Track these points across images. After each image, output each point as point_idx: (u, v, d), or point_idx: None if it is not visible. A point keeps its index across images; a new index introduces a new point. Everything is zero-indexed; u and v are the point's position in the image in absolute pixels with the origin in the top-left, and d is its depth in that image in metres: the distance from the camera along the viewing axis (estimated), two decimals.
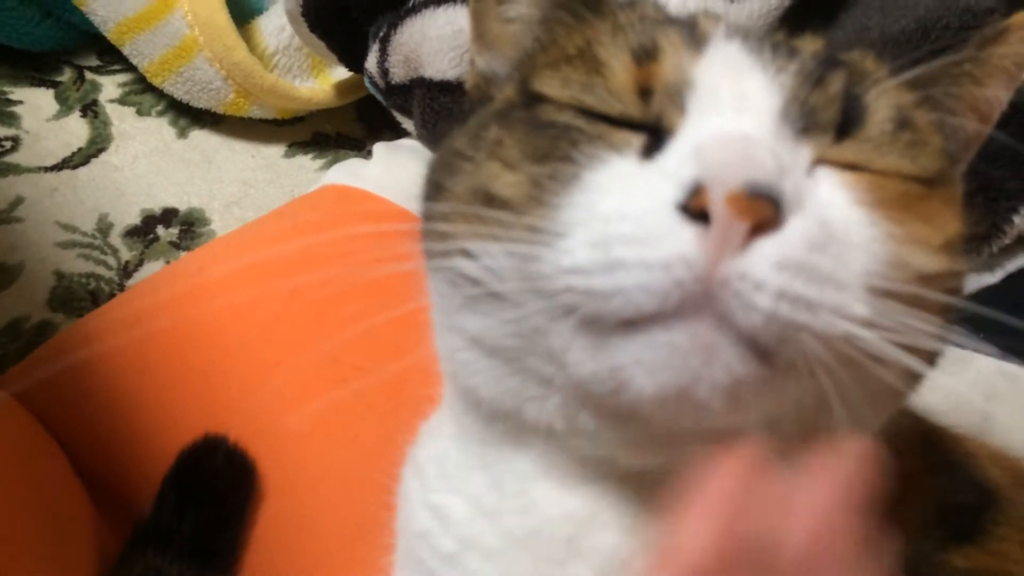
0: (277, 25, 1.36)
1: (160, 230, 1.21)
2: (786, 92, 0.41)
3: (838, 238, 0.37)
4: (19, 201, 1.21)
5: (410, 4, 1.02)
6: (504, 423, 0.48)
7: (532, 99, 0.45)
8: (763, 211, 0.35)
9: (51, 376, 0.84)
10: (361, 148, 1.39)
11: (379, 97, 1.13)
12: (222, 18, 1.27)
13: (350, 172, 1.04)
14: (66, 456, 0.79)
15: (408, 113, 1.09)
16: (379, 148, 1.09)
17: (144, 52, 1.33)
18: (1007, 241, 0.83)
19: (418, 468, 0.56)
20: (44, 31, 1.41)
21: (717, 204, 0.35)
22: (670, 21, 0.46)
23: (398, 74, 1.05)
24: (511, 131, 0.44)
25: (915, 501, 0.49)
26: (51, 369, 0.82)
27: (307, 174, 1.35)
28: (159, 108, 1.41)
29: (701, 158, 0.37)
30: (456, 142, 0.47)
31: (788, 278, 0.35)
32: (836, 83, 0.42)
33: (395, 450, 0.61)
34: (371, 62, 1.07)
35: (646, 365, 0.36)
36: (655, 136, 0.41)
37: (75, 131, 1.35)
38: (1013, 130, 0.84)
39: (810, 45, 0.46)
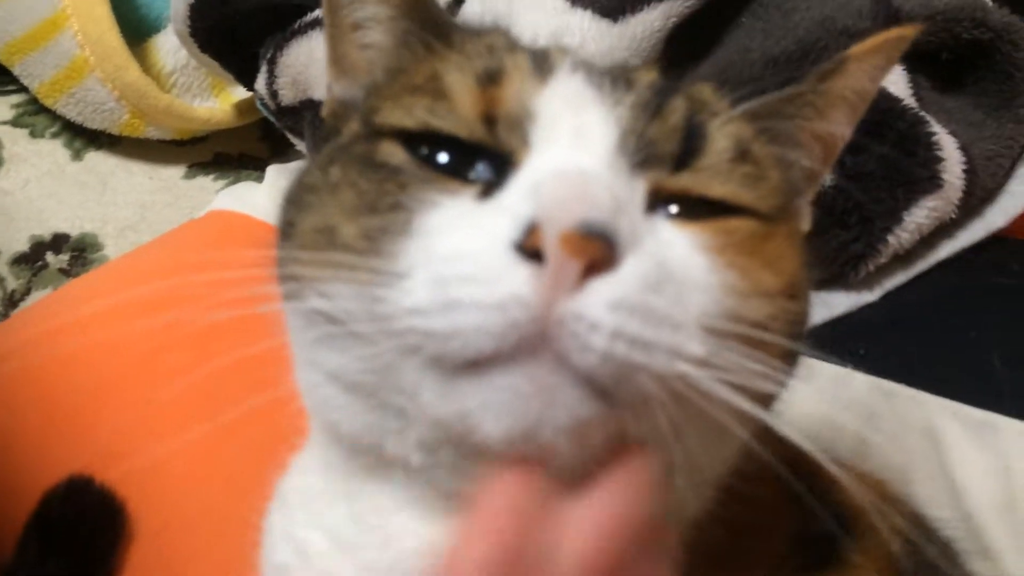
0: (174, 44, 1.34)
1: (49, 256, 1.18)
2: (623, 125, 0.41)
3: (675, 279, 0.37)
4: None
5: (296, 25, 1.01)
6: (366, 456, 0.47)
7: (373, 134, 0.44)
8: (597, 251, 0.34)
9: None
10: (264, 168, 1.36)
11: (272, 118, 1.11)
12: (113, 37, 1.24)
13: (237, 198, 1.02)
14: None
15: (300, 135, 1.08)
16: (271, 171, 1.07)
17: (34, 73, 1.30)
18: (883, 260, 0.84)
19: (283, 500, 0.55)
20: None
21: (551, 244, 0.34)
22: (520, 48, 0.46)
23: (287, 96, 1.03)
24: (347, 171, 0.43)
25: (771, 532, 0.50)
26: None
27: (208, 196, 1.32)
28: (53, 130, 1.37)
29: (537, 196, 0.36)
30: (306, 177, 0.46)
31: (623, 318, 0.34)
32: (676, 113, 0.42)
33: (268, 489, 0.60)
34: (260, 83, 1.05)
35: (491, 409, 0.36)
36: (500, 166, 0.40)
37: None
38: (888, 149, 0.85)
39: (646, 75, 0.46)
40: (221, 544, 0.72)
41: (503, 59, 0.43)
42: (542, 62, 0.44)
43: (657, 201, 0.41)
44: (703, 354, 0.36)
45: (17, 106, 1.40)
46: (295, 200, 0.46)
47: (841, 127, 0.51)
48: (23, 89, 1.39)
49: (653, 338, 0.35)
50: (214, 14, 1.06)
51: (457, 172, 0.41)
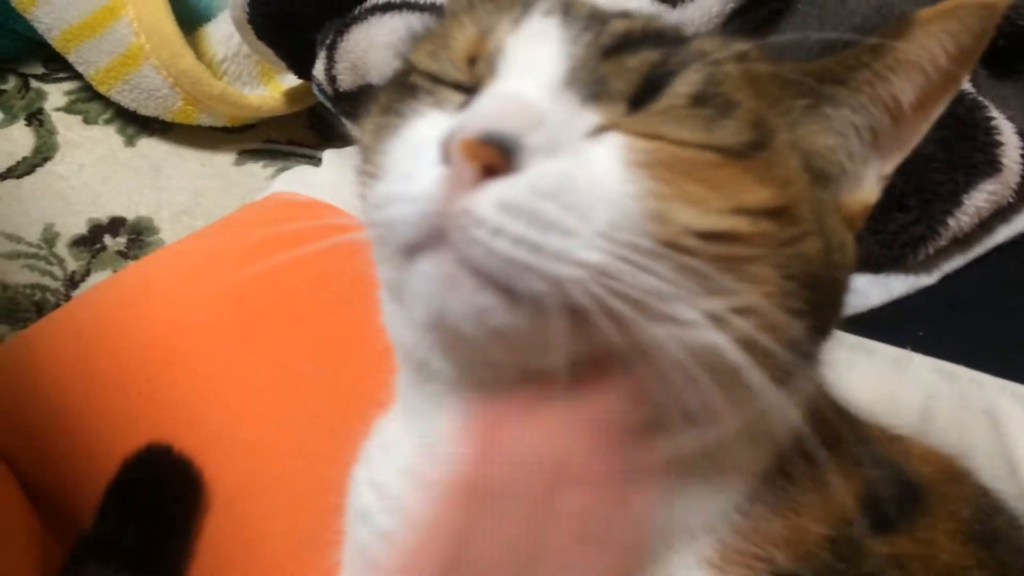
0: (226, 32, 1.36)
1: (107, 239, 1.20)
2: (575, 60, 0.44)
3: (580, 190, 0.40)
4: None
5: (356, 11, 1.02)
6: (424, 377, 0.51)
7: (409, 68, 0.51)
8: (490, 156, 0.38)
9: None
10: (312, 155, 1.38)
11: (328, 104, 1.13)
12: (168, 25, 1.26)
13: (299, 179, 1.04)
14: (9, 468, 0.78)
15: (357, 120, 1.09)
16: (329, 155, 1.08)
17: (90, 60, 1.32)
18: (943, 243, 0.85)
19: (367, 455, 0.59)
20: None
21: (454, 148, 0.39)
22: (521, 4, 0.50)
23: (346, 81, 1.04)
24: (387, 92, 0.51)
25: (840, 490, 0.50)
26: None
27: (258, 182, 1.34)
28: (106, 116, 1.39)
29: (472, 111, 0.42)
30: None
31: (507, 218, 0.38)
32: (638, 58, 0.44)
33: (342, 457, 0.61)
34: (319, 69, 1.07)
35: (414, 291, 0.41)
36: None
37: (20, 140, 1.33)
38: (947, 132, 0.86)
39: (625, 23, 0.47)
40: (296, 512, 0.73)
41: (499, 14, 0.48)
42: (525, 8, 0.48)
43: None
44: (596, 260, 0.38)
45: (70, 93, 1.42)
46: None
47: (907, 93, 0.50)
48: (75, 76, 1.42)
49: (538, 239, 0.38)
50: (273, 1, 1.07)
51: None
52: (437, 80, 0.48)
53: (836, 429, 0.52)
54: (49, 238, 1.18)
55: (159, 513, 0.73)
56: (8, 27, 1.39)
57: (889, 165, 0.52)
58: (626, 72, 0.44)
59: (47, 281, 1.13)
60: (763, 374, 0.42)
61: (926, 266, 0.88)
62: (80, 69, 1.34)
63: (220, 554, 0.75)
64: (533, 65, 0.44)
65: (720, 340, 0.40)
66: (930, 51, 0.49)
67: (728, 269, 0.41)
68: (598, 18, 0.47)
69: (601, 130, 0.43)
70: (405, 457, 0.53)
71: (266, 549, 0.74)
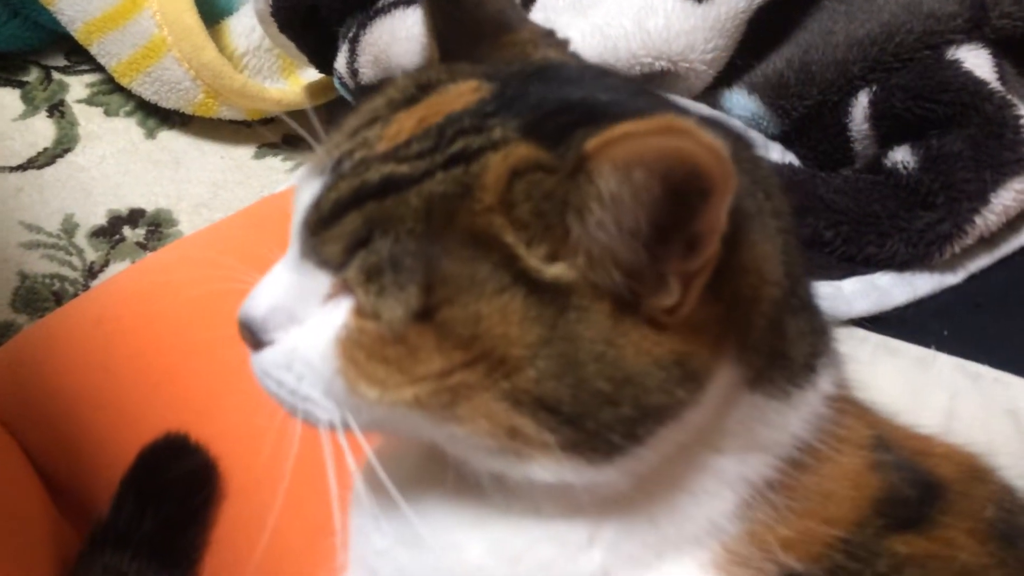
0: (247, 26, 1.36)
1: (127, 230, 1.20)
2: (303, 234, 0.47)
3: (305, 362, 0.48)
4: None
5: (380, 4, 1.02)
6: None
7: None
8: (246, 336, 0.50)
9: (12, 376, 0.82)
10: None
11: (349, 98, 1.13)
12: (191, 18, 1.26)
13: None
14: (26, 456, 0.78)
15: None
16: None
17: (112, 52, 1.32)
18: (969, 242, 0.84)
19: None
20: (11, 31, 1.40)
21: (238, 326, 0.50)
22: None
23: (368, 74, 1.04)
24: None
25: (857, 496, 0.50)
26: (13, 369, 0.81)
27: (277, 175, 1.34)
28: (127, 108, 1.39)
29: None
30: None
31: (270, 379, 0.50)
32: (341, 227, 0.46)
33: (359, 447, 0.61)
34: (340, 62, 1.07)
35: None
36: None
37: (41, 131, 1.34)
38: (975, 130, 0.85)
39: (345, 184, 0.46)
40: (311, 502, 0.73)
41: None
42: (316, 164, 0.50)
43: (345, 294, 0.47)
44: (329, 417, 0.49)
45: (91, 85, 1.43)
46: None
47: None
48: (97, 69, 1.42)
49: (290, 401, 0.50)
50: None
51: None
52: None
53: (850, 435, 0.52)
54: (69, 228, 1.19)
55: (176, 502, 0.72)
56: (31, 19, 1.40)
57: (694, 262, 0.43)
58: (331, 242, 0.46)
59: (66, 271, 1.13)
60: (544, 466, 0.46)
61: (952, 265, 0.87)
62: (102, 61, 1.35)
63: (236, 543, 0.74)
64: (293, 232, 0.49)
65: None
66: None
67: (444, 408, 0.45)
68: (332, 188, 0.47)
69: (333, 291, 0.47)
70: None
71: (282, 539, 0.74)
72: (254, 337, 0.49)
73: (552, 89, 0.48)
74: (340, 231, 0.46)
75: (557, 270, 0.43)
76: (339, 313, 0.46)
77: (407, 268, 0.44)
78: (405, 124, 0.47)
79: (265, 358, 0.49)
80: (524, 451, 0.45)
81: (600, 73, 0.57)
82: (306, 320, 0.48)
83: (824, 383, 0.52)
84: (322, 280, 0.47)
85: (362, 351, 0.45)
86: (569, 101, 0.47)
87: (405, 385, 0.45)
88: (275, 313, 0.49)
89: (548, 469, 0.46)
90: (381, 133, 0.47)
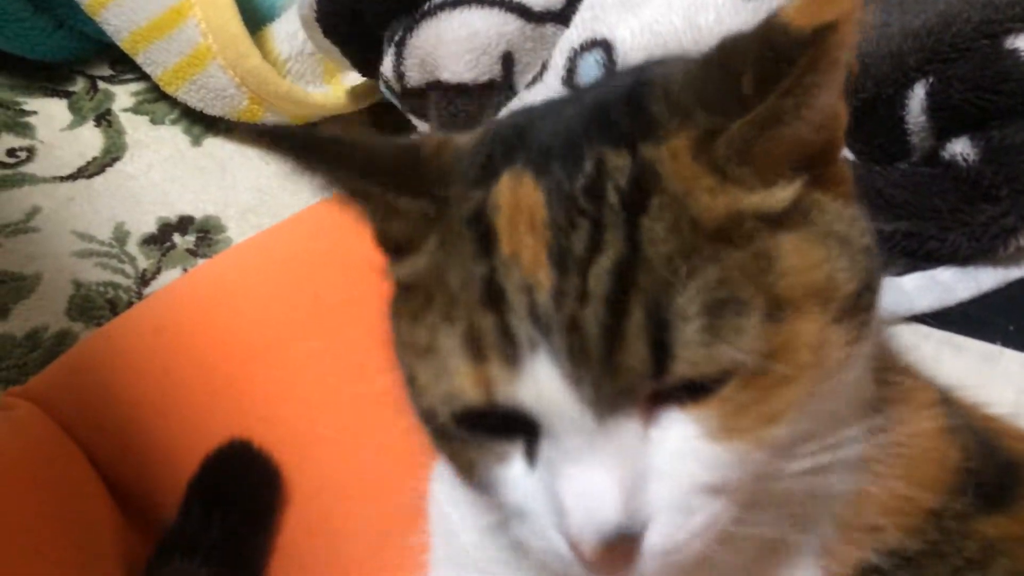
0: (289, 31, 1.36)
1: (177, 238, 1.21)
2: (590, 395, 0.40)
3: (698, 485, 0.41)
4: (35, 211, 1.22)
5: (426, 7, 1.02)
6: None
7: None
8: (622, 554, 0.40)
9: (75, 384, 0.83)
10: None
11: (394, 101, 1.13)
12: (235, 25, 1.27)
13: None
14: (91, 464, 0.79)
15: (424, 117, 1.09)
16: None
17: (158, 61, 1.33)
18: None
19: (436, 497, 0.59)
20: (56, 41, 1.41)
21: (590, 562, 0.41)
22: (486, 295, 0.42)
23: (414, 77, 1.04)
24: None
25: (938, 458, 0.50)
26: (75, 376, 0.82)
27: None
28: (172, 116, 1.41)
29: (562, 515, 0.41)
30: None
31: (685, 548, 0.41)
32: (633, 341, 0.39)
33: (422, 455, 0.61)
34: (386, 66, 1.07)
35: None
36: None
37: (89, 141, 1.35)
38: None
39: (592, 318, 0.40)
40: (375, 508, 0.73)
41: (483, 351, 0.42)
42: (510, 343, 0.41)
43: (656, 405, 0.41)
44: (733, 516, 0.42)
45: (136, 94, 1.44)
46: None
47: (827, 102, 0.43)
48: (141, 78, 1.43)
49: (706, 529, 0.42)
50: None
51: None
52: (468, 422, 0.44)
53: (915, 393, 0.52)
54: (120, 237, 1.20)
55: (241, 508, 0.73)
56: (76, 29, 1.41)
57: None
58: (632, 366, 0.39)
59: (119, 279, 1.14)
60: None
61: (1016, 259, 0.85)
62: (148, 70, 1.36)
63: (300, 550, 0.75)
64: (555, 413, 0.40)
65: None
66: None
67: (831, 370, 0.42)
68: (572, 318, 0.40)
69: (642, 413, 0.41)
70: None
71: (346, 546, 0.74)
72: (634, 535, 0.40)
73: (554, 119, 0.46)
74: (635, 346, 0.39)
75: (784, 195, 0.43)
76: (681, 429, 0.41)
77: (739, 295, 0.40)
78: (529, 248, 0.41)
79: (655, 538, 0.41)
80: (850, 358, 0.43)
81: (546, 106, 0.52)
82: (652, 467, 0.41)
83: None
84: (632, 419, 0.41)
85: (750, 408, 0.41)
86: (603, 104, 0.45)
87: (809, 379, 0.41)
88: (630, 495, 0.40)
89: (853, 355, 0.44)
90: (520, 275, 0.41)
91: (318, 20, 1.13)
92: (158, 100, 1.42)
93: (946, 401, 0.55)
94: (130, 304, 1.10)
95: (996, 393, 0.80)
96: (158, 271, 1.16)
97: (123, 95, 1.44)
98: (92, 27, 1.37)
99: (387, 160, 0.47)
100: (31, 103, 1.40)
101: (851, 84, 0.92)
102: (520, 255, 0.41)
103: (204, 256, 1.19)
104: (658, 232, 0.40)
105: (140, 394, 0.81)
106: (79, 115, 1.39)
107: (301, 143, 0.46)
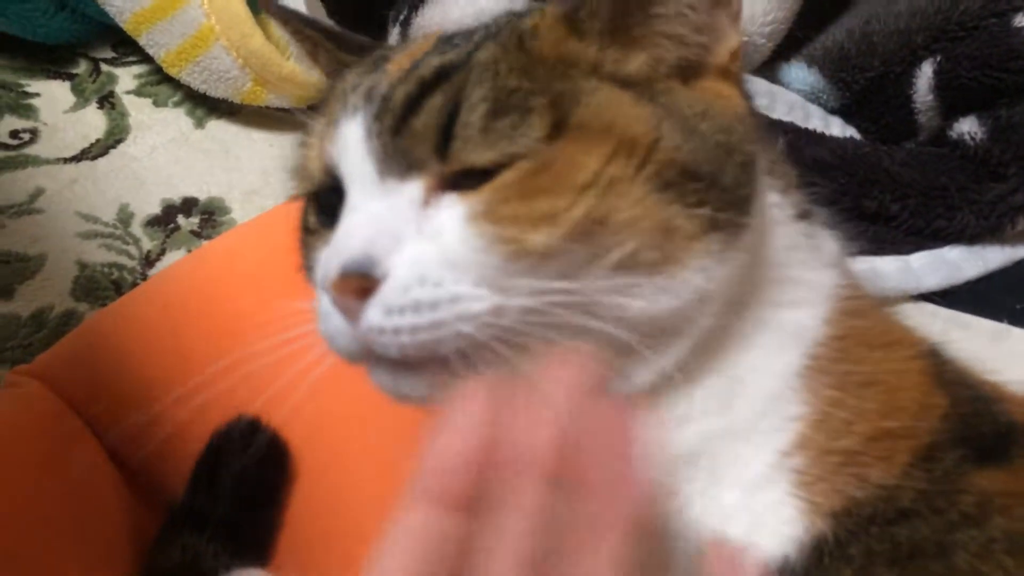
0: None
1: (181, 219, 1.21)
2: (376, 152, 0.48)
3: (445, 260, 0.45)
4: (39, 192, 1.21)
5: None
6: None
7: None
8: (355, 284, 0.45)
9: (82, 361, 0.83)
10: None
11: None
12: (239, 6, 1.26)
13: None
14: (99, 442, 0.79)
15: None
16: None
17: (160, 42, 1.33)
18: None
19: None
20: (59, 23, 1.41)
21: (328, 291, 0.46)
22: (336, 96, 0.54)
23: None
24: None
25: (920, 399, 0.52)
26: (82, 354, 0.82)
27: None
28: (175, 99, 1.40)
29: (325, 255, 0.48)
30: None
31: (398, 318, 0.44)
32: (425, 116, 0.47)
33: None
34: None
35: (381, 390, 0.50)
36: None
37: (92, 122, 1.35)
38: None
39: (402, 89, 0.49)
40: (383, 484, 0.73)
41: (324, 121, 0.54)
42: (333, 110, 0.52)
43: (447, 185, 0.47)
44: (486, 307, 0.44)
45: (139, 76, 1.44)
46: None
47: None
48: (144, 60, 1.43)
49: (431, 318, 0.44)
50: None
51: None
52: (314, 195, 0.54)
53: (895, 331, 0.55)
54: (124, 218, 1.20)
55: (249, 483, 0.73)
56: (79, 12, 1.41)
57: (734, 4, 0.53)
58: (420, 134, 0.47)
59: (124, 260, 1.14)
60: (690, 269, 0.46)
61: (1023, 238, 0.85)
62: (151, 52, 1.35)
63: (308, 525, 0.75)
64: (354, 170, 0.49)
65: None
66: None
67: (602, 230, 0.45)
68: (387, 94, 0.50)
69: (427, 192, 0.47)
70: None
71: (354, 520, 0.74)
72: (366, 279, 0.45)
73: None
74: (425, 118, 0.47)
75: (632, 67, 0.50)
76: (450, 208, 0.46)
77: (519, 99, 0.46)
78: (402, 61, 0.52)
79: (387, 291, 0.45)
80: (676, 252, 0.46)
81: None
82: (411, 236, 0.46)
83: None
84: (412, 189, 0.47)
85: (513, 202, 0.45)
86: None
87: (572, 206, 0.45)
88: (377, 244, 0.46)
89: (696, 269, 0.47)
90: (387, 69, 0.51)
91: (323, 0, 1.13)
92: (161, 83, 1.42)
93: (935, 352, 0.56)
94: (135, 285, 1.10)
95: (1003, 371, 0.80)
96: (162, 252, 1.16)
97: (126, 77, 1.43)
98: (94, 9, 1.36)
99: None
100: (34, 85, 1.39)
101: (857, 62, 0.92)
102: (393, 66, 0.52)
103: (208, 238, 1.18)
104: (491, 51, 0.49)
105: (147, 371, 0.81)
106: (82, 97, 1.39)
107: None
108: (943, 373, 0.54)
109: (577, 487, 0.41)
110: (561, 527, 0.41)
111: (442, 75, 0.49)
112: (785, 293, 0.53)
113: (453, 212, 0.46)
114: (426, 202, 0.47)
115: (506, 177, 0.46)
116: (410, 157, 0.47)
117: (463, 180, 0.46)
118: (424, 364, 0.46)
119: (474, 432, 0.41)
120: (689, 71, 0.51)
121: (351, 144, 0.49)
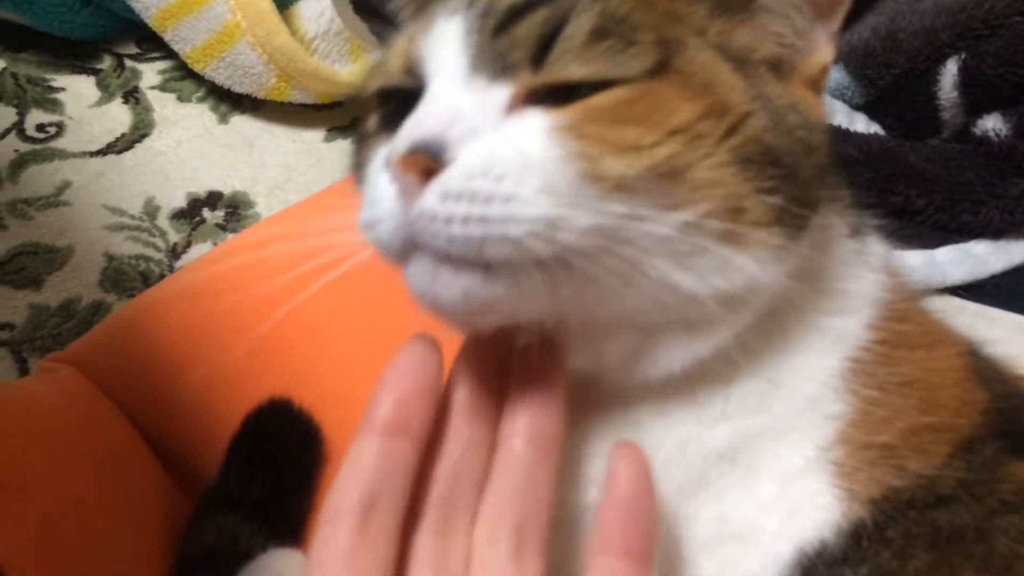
0: (316, 10, 1.37)
1: (206, 212, 1.22)
2: (473, 48, 0.48)
3: (508, 160, 0.43)
4: (66, 185, 1.23)
5: None
6: None
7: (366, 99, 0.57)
8: (420, 162, 0.43)
9: (115, 348, 0.84)
10: None
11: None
12: (264, 2, 1.28)
13: None
14: (132, 424, 0.80)
15: None
16: None
17: (186, 38, 1.34)
18: None
19: None
20: (83, 19, 1.42)
21: (392, 166, 0.44)
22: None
23: None
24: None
25: (962, 395, 0.52)
26: (116, 341, 0.83)
27: (347, 157, 1.34)
28: (199, 94, 1.42)
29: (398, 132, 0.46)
30: None
31: (452, 205, 0.42)
32: (529, 22, 0.47)
33: None
34: None
35: (413, 290, 0.47)
36: None
37: (118, 117, 1.36)
38: None
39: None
40: None
41: (419, 21, 0.52)
42: (435, 13, 0.51)
43: (534, 100, 0.46)
44: (541, 214, 0.42)
45: (163, 72, 1.45)
46: None
47: None
48: (168, 56, 1.44)
49: (483, 212, 0.42)
50: None
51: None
52: (385, 93, 0.53)
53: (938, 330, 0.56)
54: (151, 211, 1.21)
55: (282, 465, 0.74)
56: (104, 7, 1.42)
57: (835, 23, 0.54)
58: (519, 39, 0.47)
59: (151, 252, 1.15)
60: (749, 254, 0.46)
61: None
62: (176, 47, 1.37)
63: None
64: (443, 63, 0.48)
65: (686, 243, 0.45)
66: None
67: (676, 183, 0.44)
68: (491, 5, 0.50)
69: (514, 100, 0.46)
70: None
71: None
72: (434, 160, 0.43)
73: None
74: (528, 26, 0.47)
75: (735, 44, 0.51)
76: (534, 117, 0.45)
77: (627, 29, 0.47)
78: None
79: (450, 174, 0.43)
80: (740, 233, 0.46)
81: None
82: (487, 133, 0.45)
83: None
84: (498, 94, 0.46)
85: (601, 123, 0.44)
86: None
87: (659, 144, 0.44)
88: (453, 131, 0.44)
89: (754, 257, 0.47)
90: None
91: None
92: (185, 78, 1.43)
93: (975, 351, 0.56)
94: (162, 276, 1.11)
95: None
96: (188, 245, 1.17)
97: (150, 73, 1.45)
98: (119, 4, 1.37)
99: None
100: (59, 80, 1.41)
101: (882, 59, 0.93)
102: None
103: (233, 231, 1.20)
104: None
105: (180, 357, 0.82)
106: (107, 92, 1.40)
107: None
108: (982, 370, 0.54)
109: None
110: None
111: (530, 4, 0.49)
112: (831, 301, 0.53)
113: (535, 122, 0.45)
114: (509, 109, 0.46)
115: (599, 99, 0.45)
116: (505, 60, 0.47)
117: (549, 97, 0.46)
118: (466, 266, 0.44)
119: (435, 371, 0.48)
120: (779, 70, 0.52)
121: (447, 39, 0.48)
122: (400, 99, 0.50)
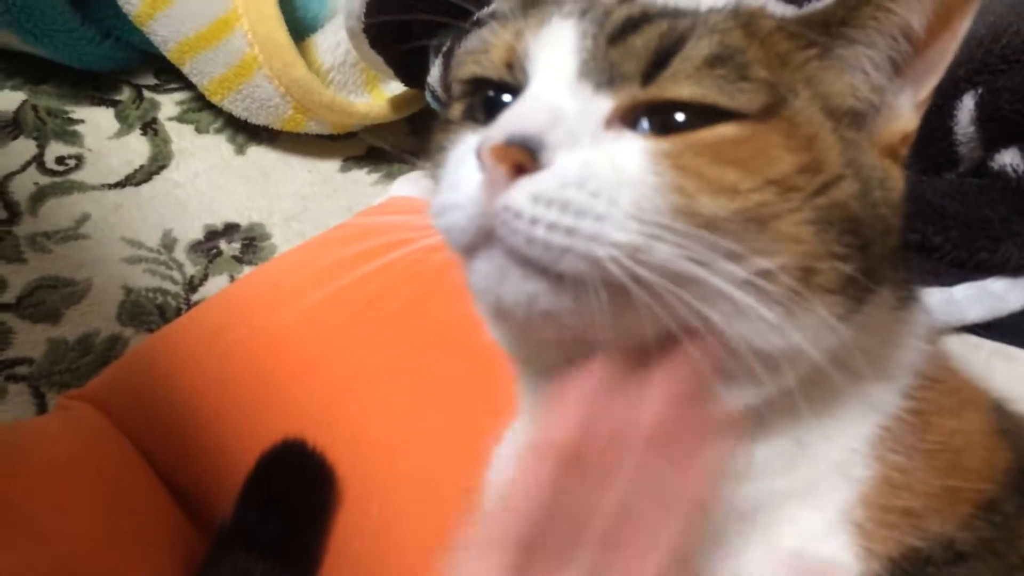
0: (332, 42, 1.38)
1: (223, 244, 1.23)
2: (585, 54, 0.47)
3: (608, 178, 0.43)
4: (85, 218, 1.24)
5: (475, 18, 1.03)
6: (523, 370, 0.56)
7: (458, 85, 0.55)
8: (515, 156, 0.42)
9: (132, 386, 0.85)
10: (414, 162, 1.40)
11: (441, 110, 1.14)
12: (281, 36, 1.29)
13: (416, 184, 1.06)
14: (148, 463, 0.80)
15: None
16: None
17: (204, 71, 1.36)
18: None
19: (499, 460, 0.61)
20: (103, 51, 1.45)
21: (484, 154, 0.43)
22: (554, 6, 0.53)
23: None
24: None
25: (988, 455, 0.51)
26: (132, 379, 0.84)
27: (363, 188, 1.36)
28: (216, 125, 1.43)
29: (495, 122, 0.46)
30: None
31: (541, 208, 0.42)
32: (645, 35, 0.47)
33: (475, 457, 0.62)
34: (434, 76, 1.08)
35: (475, 286, 0.46)
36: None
37: (136, 149, 1.38)
38: None
39: (624, 10, 0.50)
40: (427, 511, 0.74)
41: (529, 19, 0.51)
42: (549, 13, 0.51)
43: (635, 116, 0.46)
44: (628, 240, 0.42)
45: (181, 103, 1.47)
46: None
47: (916, 17, 0.49)
48: (186, 87, 1.46)
49: (572, 224, 0.41)
50: (392, 9, 1.09)
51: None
52: (479, 82, 0.52)
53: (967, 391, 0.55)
54: (168, 243, 1.22)
55: (296, 505, 0.74)
56: (123, 40, 1.44)
57: (923, 90, 0.52)
58: (634, 51, 0.46)
59: (168, 285, 1.16)
60: (809, 318, 0.45)
61: None
62: (194, 80, 1.38)
63: (352, 550, 0.76)
64: (551, 65, 0.47)
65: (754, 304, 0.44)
66: None
67: (760, 231, 0.44)
68: (602, 12, 0.50)
69: (614, 113, 0.45)
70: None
71: (397, 547, 0.75)
72: (530, 157, 0.42)
73: None
74: (646, 38, 0.47)
75: (830, 90, 0.50)
76: (633, 142, 0.44)
77: (742, 60, 0.46)
78: None
79: (545, 177, 0.42)
80: (807, 295, 0.45)
81: None
82: (586, 143, 0.44)
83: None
84: (601, 104, 0.45)
85: (703, 158, 0.44)
86: None
87: (755, 190, 0.44)
88: (555, 130, 0.43)
89: (812, 324, 0.46)
90: None
91: (365, 31, 1.15)
92: (202, 109, 1.45)
93: (1000, 408, 0.56)
94: (179, 310, 1.12)
95: None
96: (205, 277, 1.18)
97: (168, 104, 1.46)
98: (138, 37, 1.39)
99: None
100: (79, 111, 1.43)
101: None
102: None
103: (250, 263, 1.20)
104: (720, 16, 0.49)
105: (196, 396, 0.82)
106: (126, 123, 1.42)
107: None
108: (1007, 429, 0.53)
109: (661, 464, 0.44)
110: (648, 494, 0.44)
111: (667, 15, 0.49)
112: (872, 370, 0.52)
113: (636, 145, 0.44)
114: (609, 124, 0.45)
115: (705, 133, 0.44)
116: (616, 70, 0.46)
117: (648, 117, 0.45)
118: (536, 271, 0.43)
119: (590, 405, 0.44)
120: (859, 127, 0.50)
121: (559, 41, 0.48)
122: (492, 91, 0.50)
